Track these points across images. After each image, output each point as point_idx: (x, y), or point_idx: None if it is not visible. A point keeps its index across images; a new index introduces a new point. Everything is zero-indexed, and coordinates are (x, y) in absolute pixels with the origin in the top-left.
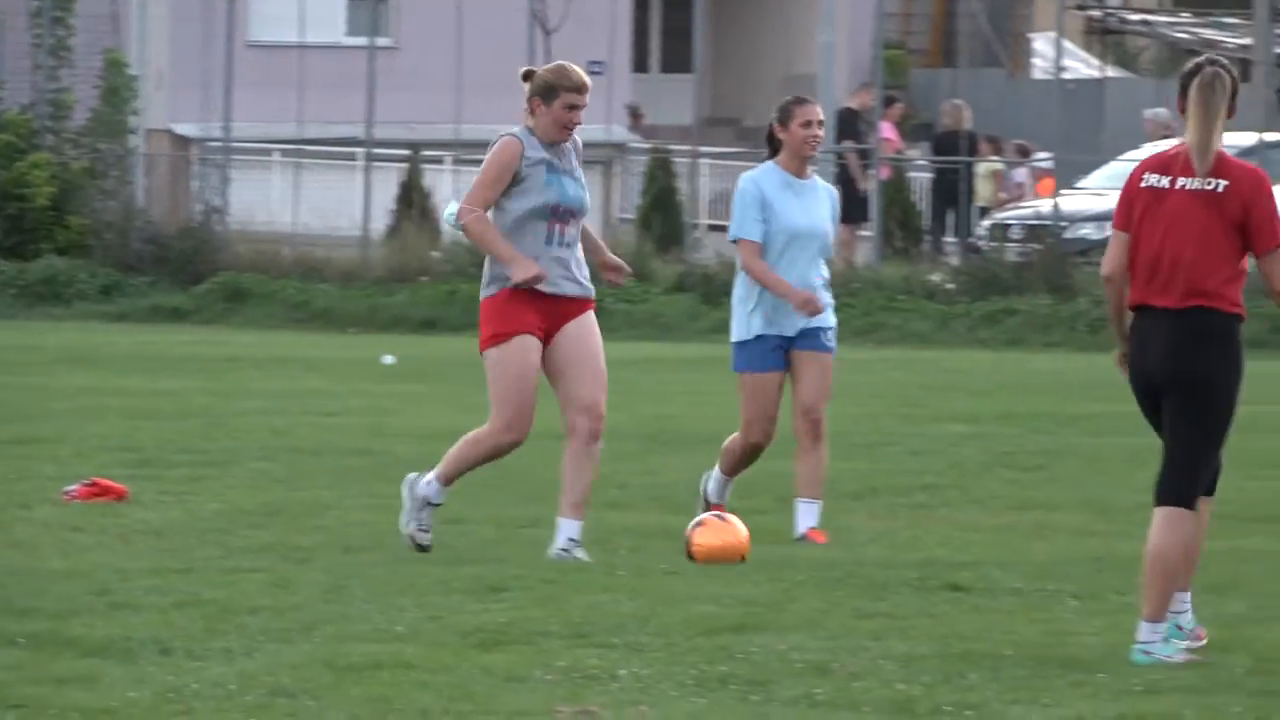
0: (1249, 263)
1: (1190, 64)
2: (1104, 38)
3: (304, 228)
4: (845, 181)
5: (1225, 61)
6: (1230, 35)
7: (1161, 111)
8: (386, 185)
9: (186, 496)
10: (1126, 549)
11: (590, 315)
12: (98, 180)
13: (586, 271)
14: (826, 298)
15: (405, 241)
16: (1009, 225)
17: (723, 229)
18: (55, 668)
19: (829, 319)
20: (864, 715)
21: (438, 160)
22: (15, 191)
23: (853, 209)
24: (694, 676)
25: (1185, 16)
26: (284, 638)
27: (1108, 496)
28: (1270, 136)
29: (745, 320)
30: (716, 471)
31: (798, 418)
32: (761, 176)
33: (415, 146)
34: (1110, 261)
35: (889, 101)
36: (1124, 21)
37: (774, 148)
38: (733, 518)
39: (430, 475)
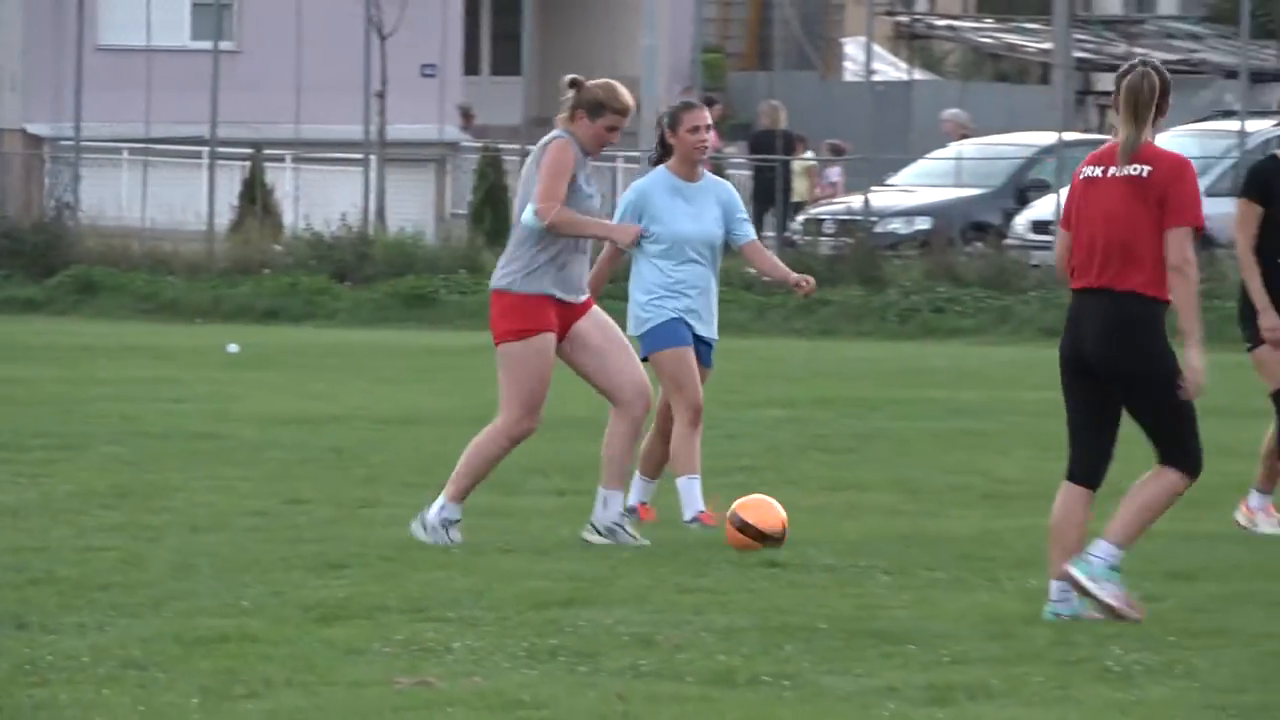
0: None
1: (1124, 66)
2: (911, 42)
3: (152, 223)
4: None
5: (1156, 64)
6: (1032, 40)
7: (959, 112)
8: (230, 182)
9: (41, 479)
10: (933, 527)
11: (597, 307)
12: None
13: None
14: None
15: (248, 236)
16: (822, 220)
17: None
18: None
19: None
20: (687, 685)
21: (279, 158)
22: None
23: None
24: (525, 649)
25: (989, 22)
26: (134, 613)
27: (915, 477)
28: (1069, 136)
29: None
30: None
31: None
32: (649, 184)
33: (257, 145)
34: (1057, 262)
35: (708, 102)
36: (930, 27)
37: (664, 153)
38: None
39: (438, 503)
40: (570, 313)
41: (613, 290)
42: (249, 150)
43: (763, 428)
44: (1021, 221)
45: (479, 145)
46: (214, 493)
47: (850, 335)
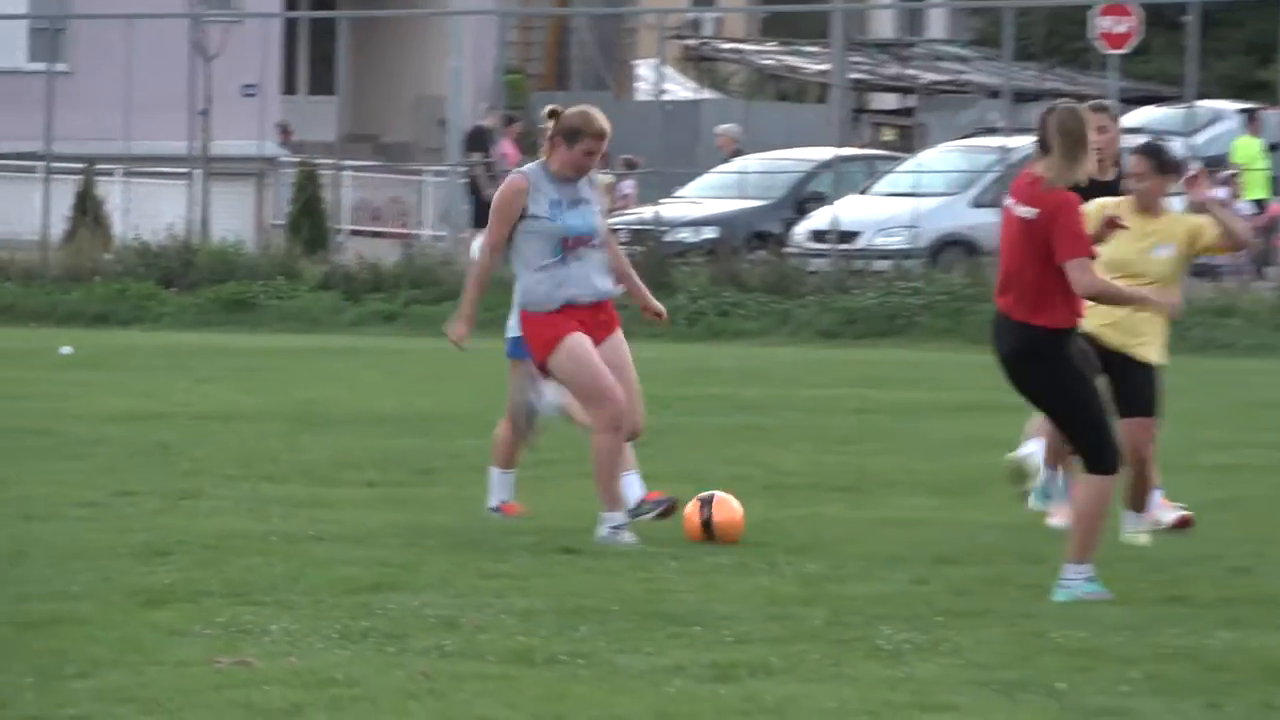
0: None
1: (1051, 104)
2: (699, 64)
3: None
4: (475, 191)
5: (1081, 103)
6: (810, 62)
7: (731, 127)
8: (64, 195)
9: None
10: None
11: (619, 331)
12: None
13: (610, 280)
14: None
15: (80, 245)
16: (617, 229)
17: (363, 234)
18: None
19: None
20: (488, 664)
21: (109, 173)
22: None
23: (481, 216)
24: (338, 630)
25: (771, 45)
26: None
27: (703, 469)
28: (845, 151)
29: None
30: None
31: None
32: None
33: (90, 160)
34: None
35: (509, 120)
36: (717, 50)
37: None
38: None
39: (607, 520)
40: (590, 315)
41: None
42: (82, 165)
43: (563, 422)
44: (800, 231)
45: (296, 160)
46: (47, 485)
47: (642, 337)
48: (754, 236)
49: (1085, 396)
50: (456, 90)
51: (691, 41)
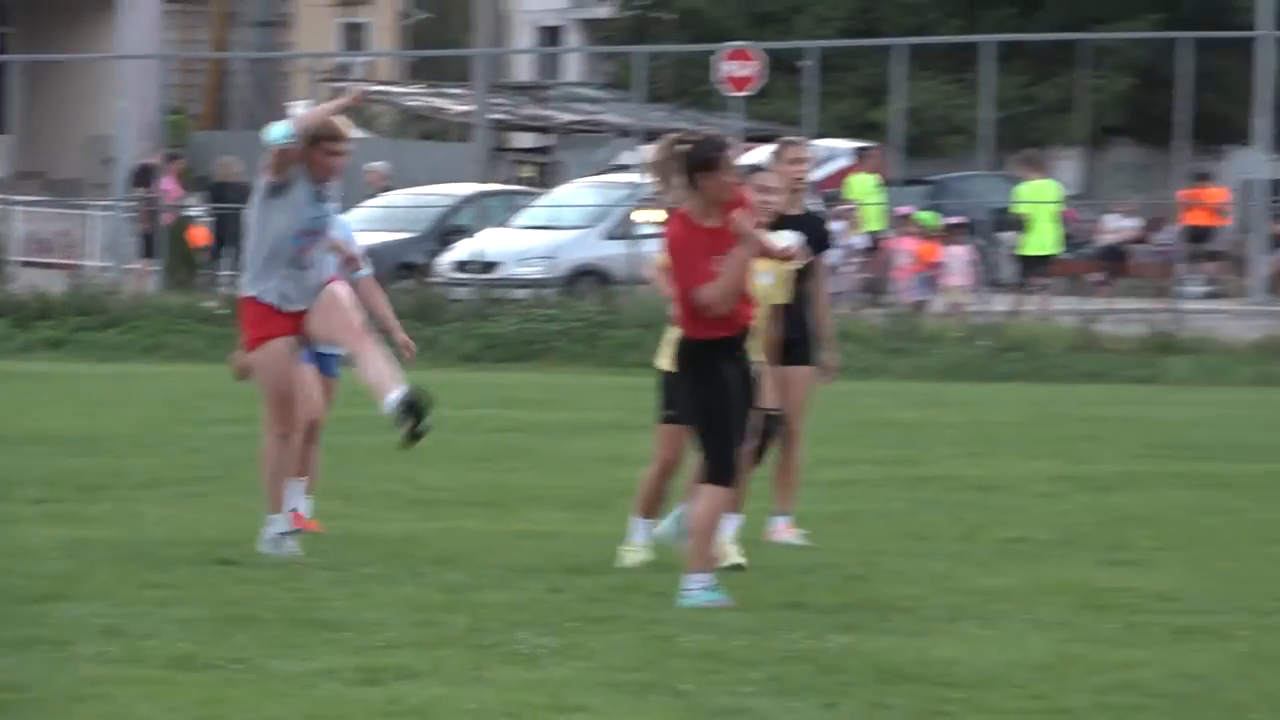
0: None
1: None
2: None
3: None
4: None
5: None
6: (454, 103)
7: (381, 164)
8: None
9: None
10: (366, 529)
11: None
12: None
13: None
14: None
15: None
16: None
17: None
18: None
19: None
20: (151, 669)
21: None
22: None
23: (148, 247)
24: (9, 639)
25: (417, 87)
26: None
27: (351, 485)
28: (487, 187)
29: None
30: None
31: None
32: None
33: None
34: None
35: (171, 158)
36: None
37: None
38: None
39: (271, 524)
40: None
41: None
42: None
43: (219, 442)
44: (444, 261)
45: None
46: None
47: None
48: (401, 267)
49: (717, 408)
50: (124, 130)
51: (341, 84)
